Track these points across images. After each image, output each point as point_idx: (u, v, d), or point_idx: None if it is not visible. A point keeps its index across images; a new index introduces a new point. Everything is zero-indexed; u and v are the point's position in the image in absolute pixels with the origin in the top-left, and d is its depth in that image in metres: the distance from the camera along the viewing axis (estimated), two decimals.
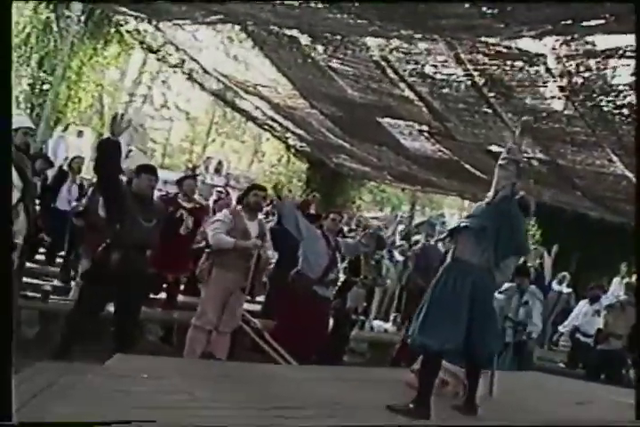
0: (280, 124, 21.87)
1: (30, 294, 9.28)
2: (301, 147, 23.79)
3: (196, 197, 11.15)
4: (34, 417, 3.12)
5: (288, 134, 23.04)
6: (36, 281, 10.06)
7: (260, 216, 9.37)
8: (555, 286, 16.15)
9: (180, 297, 10.76)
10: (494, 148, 16.68)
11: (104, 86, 26.47)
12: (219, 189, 19.10)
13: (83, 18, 18.09)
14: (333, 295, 9.93)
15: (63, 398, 4.80)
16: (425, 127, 16.92)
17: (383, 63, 14.27)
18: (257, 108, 21.07)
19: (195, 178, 11.73)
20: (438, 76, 14.24)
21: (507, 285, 11.12)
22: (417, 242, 17.06)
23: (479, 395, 7.04)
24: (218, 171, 38.30)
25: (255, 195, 9.21)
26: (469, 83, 13.95)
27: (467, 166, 18.54)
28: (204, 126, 39.97)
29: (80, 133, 36.54)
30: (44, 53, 17.87)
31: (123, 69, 32.86)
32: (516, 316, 11.23)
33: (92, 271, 7.68)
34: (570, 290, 16.80)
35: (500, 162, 6.91)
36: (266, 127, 23.40)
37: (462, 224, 6.82)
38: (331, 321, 10.11)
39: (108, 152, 7.42)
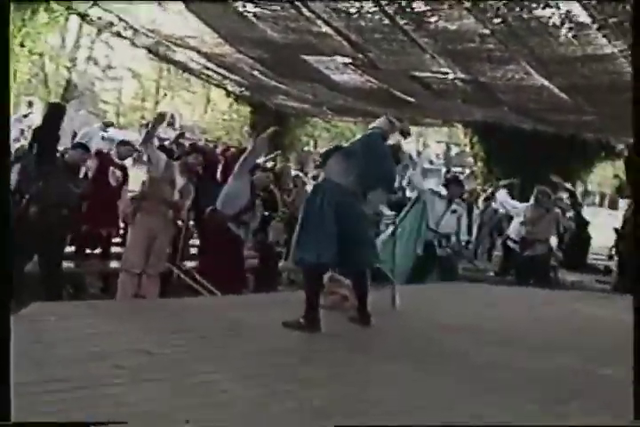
0: (215, 72, 22.10)
1: None
2: (241, 92, 24.01)
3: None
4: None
5: (225, 81, 23.25)
6: None
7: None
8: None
9: (119, 249, 11.13)
10: (417, 73, 17.06)
11: (43, 54, 26.51)
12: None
13: None
14: (254, 231, 10.41)
15: None
16: (348, 60, 17.21)
17: (297, 2, 14.57)
18: (191, 59, 21.27)
19: (131, 144, 12.21)
20: (352, 10, 14.56)
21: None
22: None
23: (383, 307, 7.64)
24: (171, 125, 38.45)
25: (195, 158, 9.79)
26: (382, 13, 14.29)
27: (396, 93, 18.86)
28: (152, 82, 39.97)
29: (30, 104, 36.44)
30: None
31: (63, 35, 32.92)
32: (438, 227, 11.57)
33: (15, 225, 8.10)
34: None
35: None
36: (203, 77, 23.61)
37: (334, 146, 7.30)
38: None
39: (51, 116, 7.92)
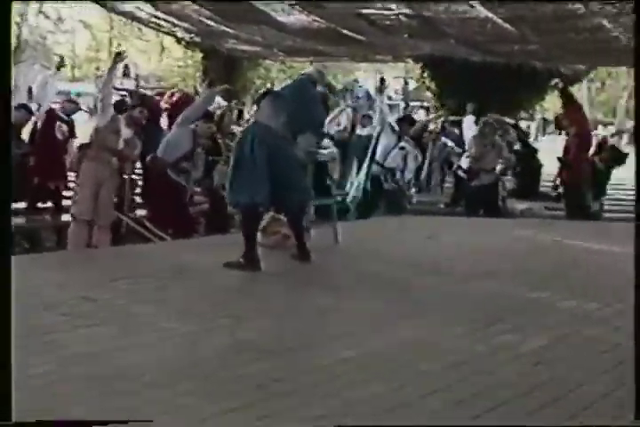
0: (164, 20, 22.05)
1: None
2: (191, 38, 23.98)
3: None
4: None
5: (175, 29, 23.21)
6: None
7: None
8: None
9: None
10: (363, 10, 17.15)
11: None
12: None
13: None
14: (202, 177, 10.64)
15: None
16: (293, 2, 17.28)
17: None
18: (138, 8, 21.20)
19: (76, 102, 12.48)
20: None
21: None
22: None
23: (325, 243, 7.92)
24: (126, 74, 38.21)
25: (140, 112, 10.05)
26: None
27: (344, 31, 18.93)
28: (105, 33, 39.64)
29: None
30: None
31: None
32: (385, 161, 11.82)
33: None
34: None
35: None
36: (152, 25, 23.53)
37: (264, 90, 7.52)
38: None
39: None
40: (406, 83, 34.78)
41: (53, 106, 12.46)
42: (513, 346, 4.88)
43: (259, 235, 7.56)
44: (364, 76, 41.70)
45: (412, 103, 32.29)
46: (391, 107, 32.38)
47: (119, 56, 9.82)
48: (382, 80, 13.55)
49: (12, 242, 4.34)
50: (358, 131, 14.13)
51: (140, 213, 10.69)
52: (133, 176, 10.86)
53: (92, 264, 7.20)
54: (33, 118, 11.47)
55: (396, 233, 9.45)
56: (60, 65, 14.93)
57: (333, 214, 8.47)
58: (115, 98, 10.09)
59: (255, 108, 7.49)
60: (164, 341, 4.75)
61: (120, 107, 10.45)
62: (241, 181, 6.89)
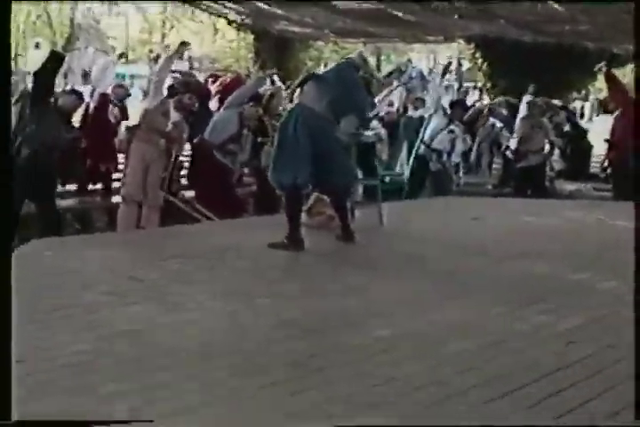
0: (215, 2, 22.17)
1: None
2: (242, 20, 24.07)
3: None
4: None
5: (226, 10, 23.31)
6: None
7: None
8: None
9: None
10: None
11: None
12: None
13: None
14: (249, 158, 10.81)
15: None
16: None
17: None
18: None
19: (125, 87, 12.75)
20: None
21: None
22: None
23: (370, 224, 8.07)
24: (180, 56, 38.42)
25: (190, 98, 10.32)
26: None
27: (394, 12, 18.89)
28: (158, 15, 39.93)
29: (37, 45, 36.59)
30: None
31: None
32: (432, 142, 11.92)
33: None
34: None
35: None
36: (203, 7, 23.66)
37: (308, 73, 7.61)
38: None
39: (49, 63, 8.37)
40: (460, 64, 34.60)
41: (107, 91, 12.63)
42: (550, 326, 4.92)
43: (304, 215, 7.67)
44: (418, 56, 41.61)
45: (465, 84, 32.12)
46: (445, 88, 32.29)
47: (184, 46, 10.03)
48: (448, 64, 13.58)
49: (14, 234, 4.48)
50: (410, 112, 14.17)
51: (189, 194, 10.81)
52: (181, 158, 10.97)
53: (140, 245, 7.35)
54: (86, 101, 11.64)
55: (442, 214, 9.47)
56: (121, 55, 15.26)
57: (378, 195, 8.53)
58: (167, 82, 10.17)
59: (299, 90, 7.53)
60: (207, 319, 4.86)
61: (171, 91, 10.62)
62: (283, 161, 6.99)
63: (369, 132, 8.87)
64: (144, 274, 5.92)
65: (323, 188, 7.45)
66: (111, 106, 11.99)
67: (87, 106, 11.79)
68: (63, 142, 8.92)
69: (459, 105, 13.29)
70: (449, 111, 12.57)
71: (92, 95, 11.82)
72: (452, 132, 12.18)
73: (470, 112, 13.92)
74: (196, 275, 6.06)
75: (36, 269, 5.99)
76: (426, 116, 12.76)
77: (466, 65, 33.62)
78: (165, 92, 10.13)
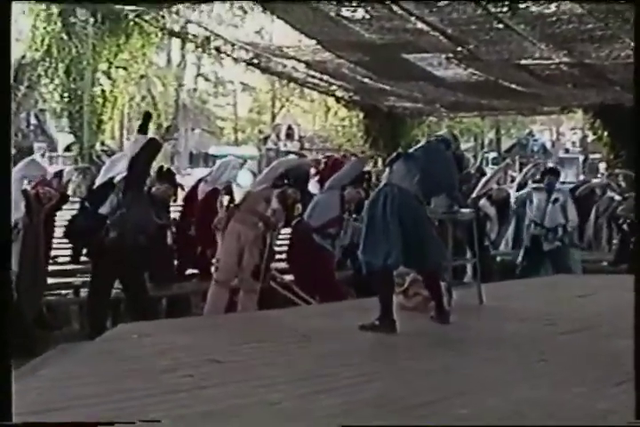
0: (320, 79, 22.76)
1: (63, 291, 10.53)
2: (350, 97, 24.58)
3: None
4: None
5: (332, 87, 23.88)
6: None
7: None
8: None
9: None
10: (521, 61, 17.40)
11: (147, 76, 27.62)
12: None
13: (97, 18, 19.15)
14: (349, 242, 11.06)
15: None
16: (450, 55, 17.66)
17: (387, 1, 15.19)
18: (293, 68, 21.99)
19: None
20: (442, 4, 15.11)
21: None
22: None
23: (468, 304, 8.26)
24: (289, 136, 39.46)
25: (294, 192, 10.52)
26: (474, 3, 14.79)
27: (505, 84, 19.18)
28: (266, 95, 40.94)
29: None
30: (69, 61, 19.08)
31: (168, 54, 34.18)
32: (543, 219, 12.07)
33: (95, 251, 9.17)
34: None
35: None
36: (309, 85, 24.28)
37: (397, 152, 7.91)
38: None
39: (150, 151, 9.00)
40: (585, 135, 34.55)
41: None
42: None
43: (400, 296, 7.93)
44: (539, 128, 41.63)
45: (591, 155, 32.03)
46: (569, 160, 32.22)
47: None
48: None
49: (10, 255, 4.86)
50: (527, 189, 14.28)
51: (289, 277, 11.11)
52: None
53: (228, 328, 7.71)
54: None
55: (548, 292, 9.59)
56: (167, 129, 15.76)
57: (478, 274, 8.74)
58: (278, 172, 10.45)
59: (387, 169, 7.82)
60: (280, 402, 5.12)
61: (278, 182, 10.84)
62: (373, 242, 7.29)
63: (465, 210, 9.09)
64: (224, 357, 6.23)
65: (414, 268, 7.73)
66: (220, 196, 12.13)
67: (188, 193, 12.04)
68: (152, 227, 9.41)
69: (550, 173, 13.40)
70: (542, 184, 12.72)
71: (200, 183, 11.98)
72: (556, 200, 12.31)
73: (583, 188, 14.03)
74: (278, 358, 6.35)
75: (120, 353, 6.38)
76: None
77: (591, 136, 33.53)
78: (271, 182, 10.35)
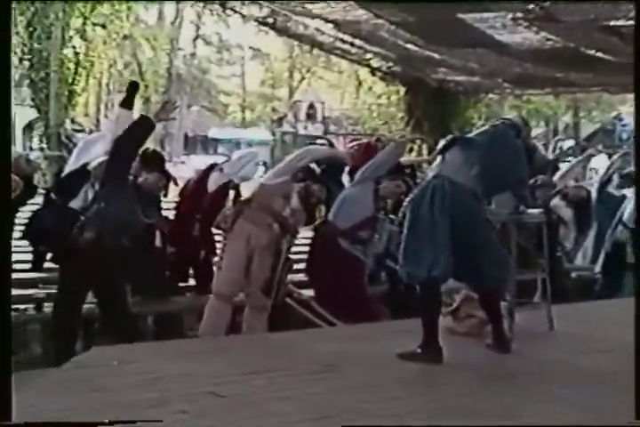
0: (351, 45, 22.67)
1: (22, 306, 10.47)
2: (389, 68, 24.48)
3: None
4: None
5: (367, 55, 23.80)
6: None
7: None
8: None
9: None
10: (610, 22, 17.27)
11: (132, 37, 27.54)
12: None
13: None
14: (384, 249, 11.04)
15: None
16: (519, 14, 17.57)
17: None
18: (317, 29, 21.93)
19: None
20: None
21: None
22: None
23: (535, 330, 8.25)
24: (311, 116, 39.29)
25: (320, 190, 10.71)
26: None
27: (588, 52, 19.05)
28: (283, 63, 40.68)
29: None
30: (31, 14, 18.81)
31: (160, 11, 33.89)
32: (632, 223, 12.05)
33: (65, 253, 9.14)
34: None
35: None
36: (337, 52, 24.19)
37: (452, 137, 7.86)
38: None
39: (140, 133, 8.93)
40: None
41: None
42: None
43: (449, 318, 7.96)
44: (628, 110, 40.95)
45: None
46: None
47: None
48: None
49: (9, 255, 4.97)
50: (611, 188, 14.20)
51: (307, 292, 11.06)
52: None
53: (230, 354, 7.75)
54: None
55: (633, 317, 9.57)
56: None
57: (547, 293, 8.72)
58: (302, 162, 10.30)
59: (439, 158, 7.77)
60: None
61: (301, 176, 10.75)
62: (416, 249, 7.30)
63: (534, 211, 9.01)
64: (226, 389, 6.30)
65: (467, 282, 7.72)
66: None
67: (195, 184, 11.98)
68: (136, 227, 9.37)
69: None
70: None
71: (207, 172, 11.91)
72: None
73: None
74: (296, 391, 6.42)
75: (95, 382, 6.45)
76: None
77: None
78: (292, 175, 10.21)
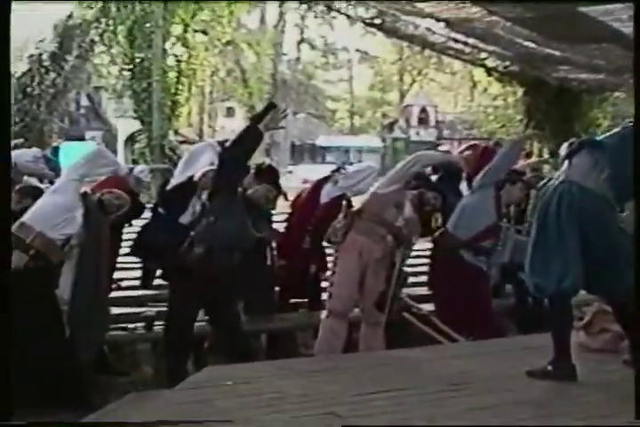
0: (465, 44, 22.62)
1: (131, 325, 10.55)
2: (506, 67, 24.38)
3: None
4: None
5: (482, 55, 23.73)
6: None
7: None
8: None
9: None
10: None
11: (236, 44, 27.71)
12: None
13: None
14: (509, 260, 10.84)
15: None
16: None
17: None
18: (428, 29, 21.92)
19: None
20: None
21: None
22: None
23: None
24: (423, 121, 39.27)
25: (435, 198, 10.67)
26: None
27: None
28: (392, 66, 40.69)
29: (230, 111, 37.91)
30: (132, 22, 18.85)
31: (262, 14, 34.02)
32: None
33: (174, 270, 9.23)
34: None
35: None
36: (450, 53, 24.17)
37: (580, 140, 7.72)
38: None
39: (249, 143, 9.01)
40: None
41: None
42: None
43: (581, 333, 7.84)
44: None
45: None
46: None
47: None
48: None
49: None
50: None
51: (428, 307, 11.01)
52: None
53: (344, 372, 7.77)
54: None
55: None
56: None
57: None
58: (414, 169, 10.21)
59: (566, 163, 7.65)
60: None
61: (414, 184, 10.66)
62: (544, 258, 7.19)
63: None
64: (349, 410, 6.29)
65: (601, 294, 7.59)
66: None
67: (307, 196, 11.97)
68: (247, 242, 9.41)
69: None
70: None
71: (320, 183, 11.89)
72: None
73: None
74: (421, 411, 6.38)
75: (210, 404, 6.47)
76: None
77: None
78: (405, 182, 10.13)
